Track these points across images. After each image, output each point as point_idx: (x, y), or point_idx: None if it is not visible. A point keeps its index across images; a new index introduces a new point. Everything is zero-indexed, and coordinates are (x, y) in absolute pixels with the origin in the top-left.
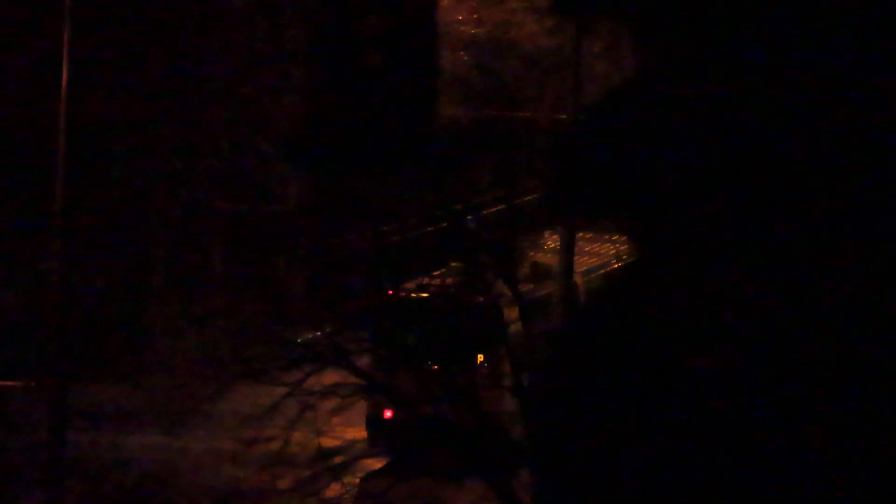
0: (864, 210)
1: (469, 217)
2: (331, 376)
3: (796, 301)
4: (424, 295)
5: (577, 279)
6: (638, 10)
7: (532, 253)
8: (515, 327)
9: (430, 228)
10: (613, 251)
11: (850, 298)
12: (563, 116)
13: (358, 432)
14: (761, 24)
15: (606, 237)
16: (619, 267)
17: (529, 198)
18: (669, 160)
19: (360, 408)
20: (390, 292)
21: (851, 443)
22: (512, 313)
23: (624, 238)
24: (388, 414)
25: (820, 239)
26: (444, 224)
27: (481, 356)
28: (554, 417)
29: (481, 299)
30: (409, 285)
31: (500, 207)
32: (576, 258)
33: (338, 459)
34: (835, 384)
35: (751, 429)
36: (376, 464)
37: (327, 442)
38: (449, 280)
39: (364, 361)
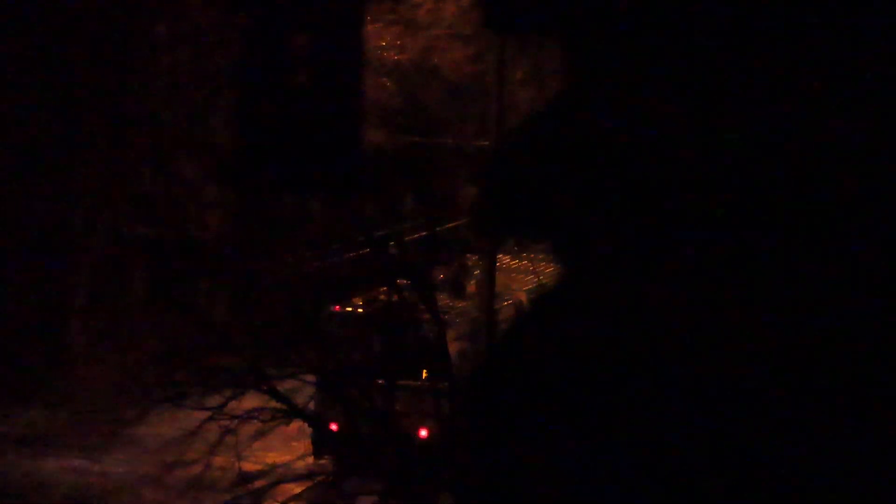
0: (787, 228)
1: (391, 243)
2: (252, 401)
3: (716, 310)
4: (362, 311)
5: (522, 297)
6: (566, 27)
7: (477, 272)
8: (458, 345)
9: (351, 255)
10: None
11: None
12: (486, 143)
13: (279, 456)
14: (685, 44)
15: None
16: (549, 285)
17: (451, 224)
18: (593, 181)
19: (281, 432)
20: (336, 308)
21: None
22: (452, 332)
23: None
24: (333, 427)
25: (752, 244)
26: (366, 250)
27: (425, 372)
28: (478, 438)
29: (426, 315)
30: (337, 308)
31: (421, 234)
32: (522, 277)
33: (258, 483)
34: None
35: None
36: (296, 488)
37: (248, 466)
38: (382, 297)
39: (288, 384)
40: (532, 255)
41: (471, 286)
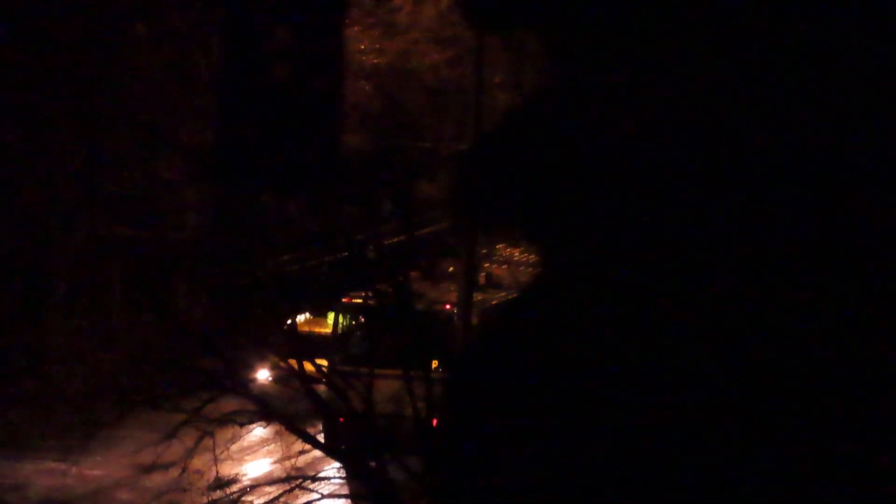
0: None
1: (370, 247)
2: (229, 404)
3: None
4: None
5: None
6: (545, 21)
7: (486, 264)
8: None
9: (327, 258)
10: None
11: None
12: (464, 147)
13: (256, 459)
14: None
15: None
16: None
17: (429, 229)
18: (569, 174)
19: (258, 435)
20: (346, 300)
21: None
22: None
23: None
24: (341, 420)
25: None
26: (345, 253)
27: (436, 362)
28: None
29: (442, 307)
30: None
31: (399, 238)
32: (527, 270)
33: (235, 487)
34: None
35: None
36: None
37: (225, 469)
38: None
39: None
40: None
41: (481, 278)
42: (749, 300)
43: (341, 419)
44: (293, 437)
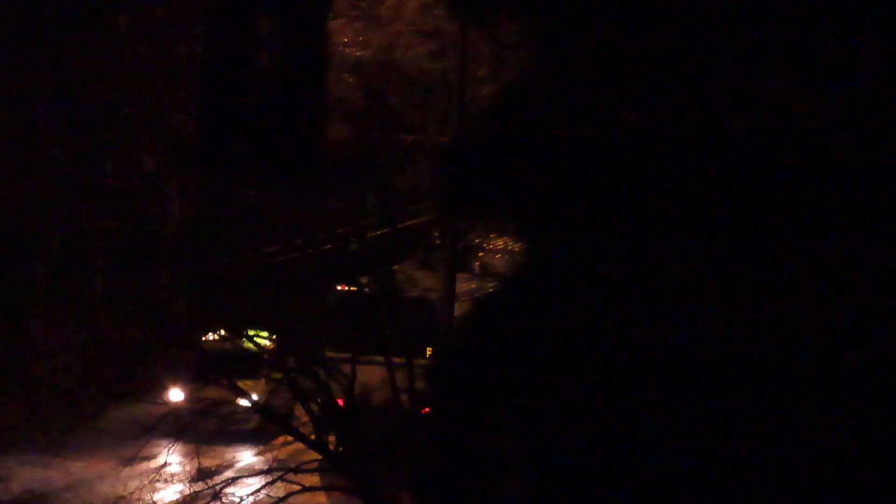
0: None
1: (353, 239)
2: (211, 396)
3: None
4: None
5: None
6: (529, 12)
7: (481, 253)
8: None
9: (311, 250)
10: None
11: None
12: (447, 140)
13: (239, 451)
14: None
15: None
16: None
17: (413, 221)
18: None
19: (241, 427)
20: (343, 287)
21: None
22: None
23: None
24: (340, 402)
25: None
26: (328, 246)
27: (430, 349)
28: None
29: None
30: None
31: (383, 231)
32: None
33: (218, 479)
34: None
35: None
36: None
37: (208, 462)
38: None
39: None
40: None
41: (476, 267)
42: (740, 289)
43: (339, 401)
44: (276, 429)
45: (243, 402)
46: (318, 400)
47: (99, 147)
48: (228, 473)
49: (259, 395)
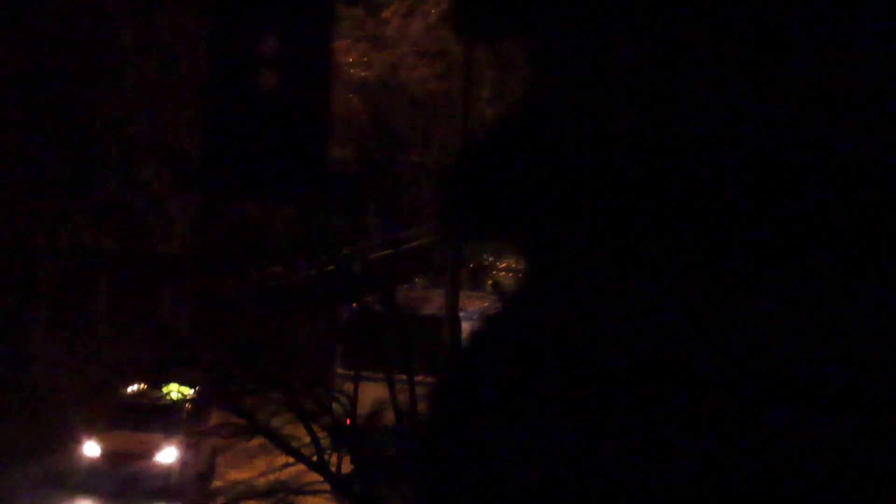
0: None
1: (356, 260)
2: (214, 417)
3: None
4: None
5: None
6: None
7: (493, 272)
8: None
9: (314, 271)
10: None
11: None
12: (451, 160)
13: (241, 473)
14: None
15: None
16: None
17: (416, 242)
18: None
19: (242, 448)
20: (354, 305)
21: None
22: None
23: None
24: (347, 421)
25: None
26: (331, 267)
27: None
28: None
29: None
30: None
31: (386, 252)
32: None
33: (219, 500)
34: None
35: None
36: None
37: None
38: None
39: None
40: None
41: (488, 285)
42: (746, 305)
43: (348, 420)
44: (277, 451)
45: (161, 458)
46: (323, 420)
47: (102, 165)
48: (231, 494)
49: (178, 449)
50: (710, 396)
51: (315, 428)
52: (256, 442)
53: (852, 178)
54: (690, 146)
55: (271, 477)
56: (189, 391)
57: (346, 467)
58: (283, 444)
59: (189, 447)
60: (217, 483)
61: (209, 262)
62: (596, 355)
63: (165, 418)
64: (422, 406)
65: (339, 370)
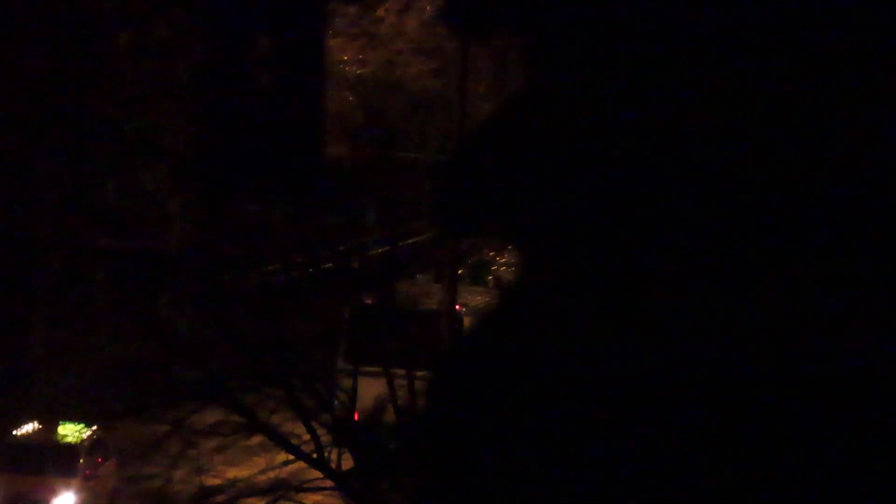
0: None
1: (353, 256)
2: (214, 414)
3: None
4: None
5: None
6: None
7: (494, 267)
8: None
9: (312, 269)
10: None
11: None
12: (447, 158)
13: (240, 471)
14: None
15: None
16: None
17: (413, 240)
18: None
19: (242, 447)
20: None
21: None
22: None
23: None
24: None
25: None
26: (329, 264)
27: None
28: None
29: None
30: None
31: (383, 248)
32: None
33: (219, 498)
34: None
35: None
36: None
37: (209, 481)
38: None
39: None
40: None
41: (490, 280)
42: (740, 303)
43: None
44: (277, 448)
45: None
46: (323, 417)
47: (100, 165)
48: (230, 492)
49: (76, 494)
50: (703, 388)
51: (315, 425)
52: (256, 439)
53: (850, 182)
54: (682, 141)
55: (271, 474)
56: (87, 430)
57: (347, 464)
58: (283, 441)
59: (86, 492)
60: (216, 481)
61: (208, 259)
62: (588, 350)
63: (62, 461)
64: (421, 401)
65: (341, 364)
